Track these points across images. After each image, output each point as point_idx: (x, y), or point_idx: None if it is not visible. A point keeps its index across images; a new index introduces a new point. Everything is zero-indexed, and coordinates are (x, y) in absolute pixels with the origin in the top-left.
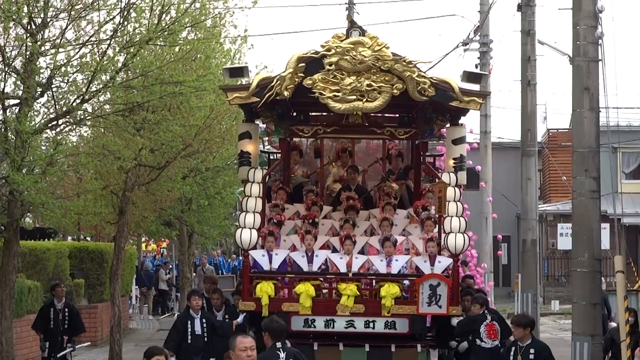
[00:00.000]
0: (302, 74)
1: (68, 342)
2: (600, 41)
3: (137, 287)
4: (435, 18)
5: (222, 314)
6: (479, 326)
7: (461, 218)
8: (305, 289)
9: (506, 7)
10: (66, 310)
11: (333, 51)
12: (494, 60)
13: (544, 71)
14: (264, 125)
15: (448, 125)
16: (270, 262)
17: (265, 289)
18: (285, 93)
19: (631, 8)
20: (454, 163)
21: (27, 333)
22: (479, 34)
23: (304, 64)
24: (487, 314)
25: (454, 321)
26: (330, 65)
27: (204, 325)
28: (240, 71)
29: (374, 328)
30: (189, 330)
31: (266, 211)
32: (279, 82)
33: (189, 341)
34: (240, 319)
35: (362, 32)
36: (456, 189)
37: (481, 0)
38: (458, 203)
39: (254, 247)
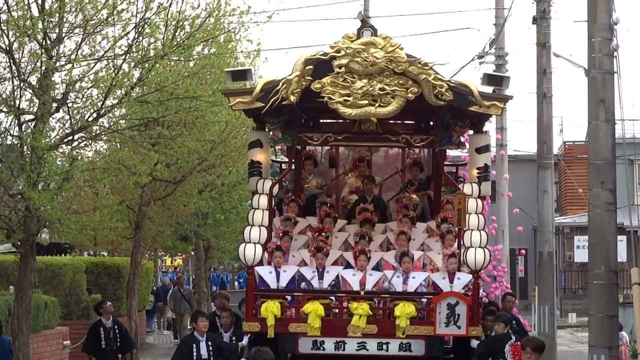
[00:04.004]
0: (309, 77)
1: None
2: (615, 53)
3: (155, 302)
4: (451, 31)
5: (229, 335)
6: (503, 346)
7: (482, 232)
8: (314, 308)
9: (521, 20)
10: (116, 327)
11: (343, 52)
12: (510, 72)
13: (560, 83)
14: (271, 133)
15: (472, 132)
16: (278, 280)
17: (270, 309)
18: (292, 97)
19: None
20: (477, 173)
21: (44, 349)
22: (494, 46)
23: (311, 67)
24: (511, 333)
25: (474, 343)
26: (340, 67)
27: (210, 348)
28: (244, 74)
29: (387, 350)
30: (195, 354)
31: (277, 224)
32: (285, 85)
33: None
34: (244, 340)
35: (374, 32)
36: (478, 200)
37: (496, 13)
38: (480, 215)
39: (260, 263)
